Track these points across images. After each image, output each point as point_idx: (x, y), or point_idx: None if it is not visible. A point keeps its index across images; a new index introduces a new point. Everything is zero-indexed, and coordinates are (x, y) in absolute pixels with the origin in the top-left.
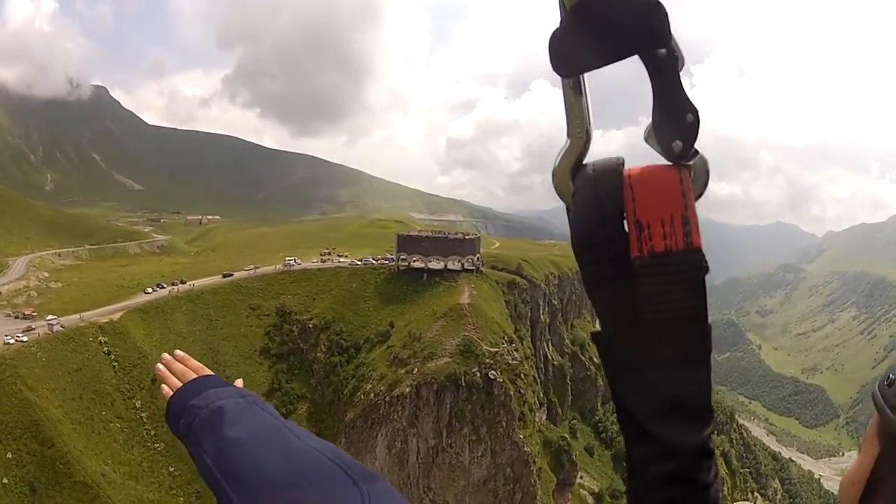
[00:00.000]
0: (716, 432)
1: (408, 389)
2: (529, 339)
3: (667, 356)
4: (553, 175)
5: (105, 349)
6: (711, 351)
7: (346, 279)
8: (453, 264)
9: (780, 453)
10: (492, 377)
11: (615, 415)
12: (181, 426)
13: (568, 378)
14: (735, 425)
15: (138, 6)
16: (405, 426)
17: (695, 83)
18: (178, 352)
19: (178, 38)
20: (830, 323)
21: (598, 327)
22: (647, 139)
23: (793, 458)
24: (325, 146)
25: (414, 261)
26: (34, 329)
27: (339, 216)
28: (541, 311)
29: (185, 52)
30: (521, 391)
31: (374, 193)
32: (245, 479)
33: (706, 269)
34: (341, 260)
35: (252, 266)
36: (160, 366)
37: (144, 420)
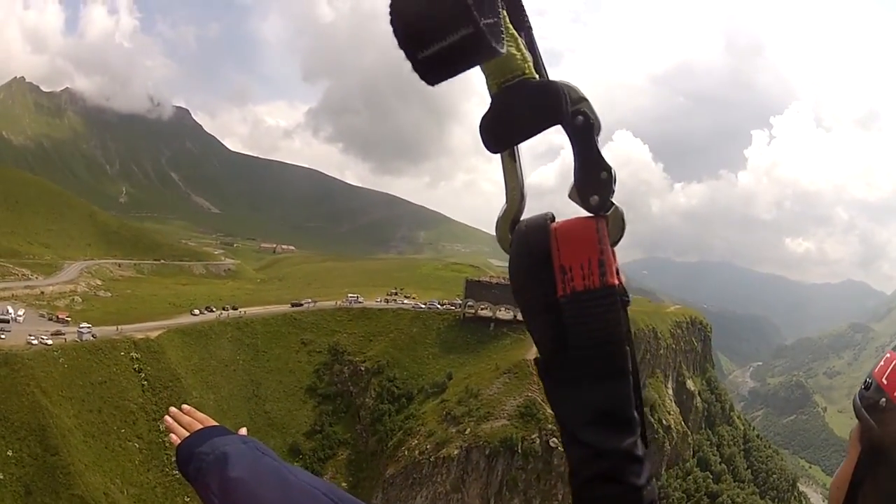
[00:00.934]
0: (776, 501)
1: (456, 451)
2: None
3: (588, 375)
4: (495, 229)
5: (136, 366)
6: (629, 369)
7: (407, 322)
8: (507, 313)
9: None
10: (553, 445)
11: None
12: (190, 471)
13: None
14: (796, 493)
15: (222, 32)
16: (448, 490)
17: (774, 134)
18: (185, 406)
19: (263, 68)
20: None
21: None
22: (570, 196)
23: None
24: (406, 186)
25: (482, 308)
26: (63, 334)
27: (414, 257)
28: None
29: (270, 82)
30: None
31: (453, 237)
32: None
33: (623, 302)
34: (405, 301)
35: (310, 300)
36: (168, 417)
37: (167, 445)
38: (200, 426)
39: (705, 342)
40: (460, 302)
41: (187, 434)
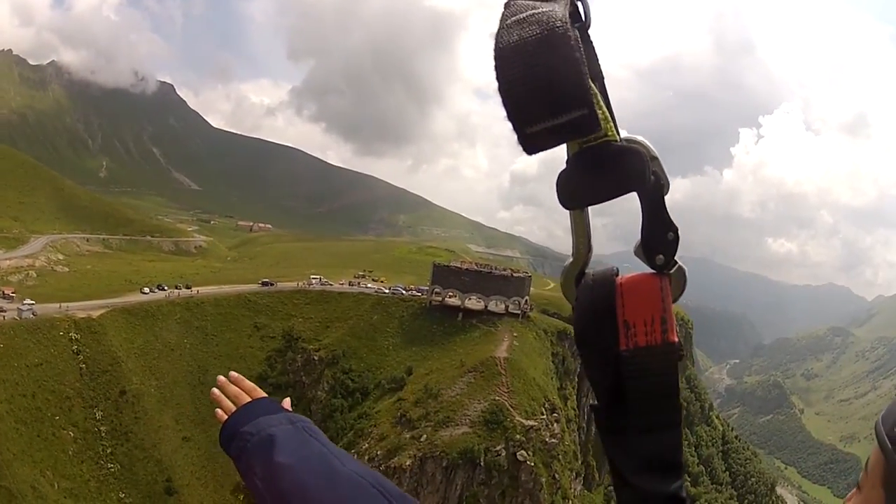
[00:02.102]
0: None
1: (409, 461)
2: (575, 398)
3: (643, 425)
4: (561, 282)
5: (75, 348)
6: (681, 421)
7: (368, 308)
8: (496, 305)
9: None
10: (521, 458)
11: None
12: (232, 449)
13: None
14: (774, 497)
15: (208, 9)
16: None
17: (762, 134)
18: (232, 373)
19: (248, 45)
20: (873, 390)
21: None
22: (636, 253)
23: None
24: (388, 168)
25: (449, 296)
26: (3, 311)
27: (392, 239)
28: None
29: (255, 59)
30: (556, 476)
31: (433, 221)
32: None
33: (681, 356)
34: (369, 286)
35: (267, 279)
36: (215, 390)
37: (103, 434)
38: (247, 398)
39: (686, 339)
40: (426, 288)
41: (233, 408)
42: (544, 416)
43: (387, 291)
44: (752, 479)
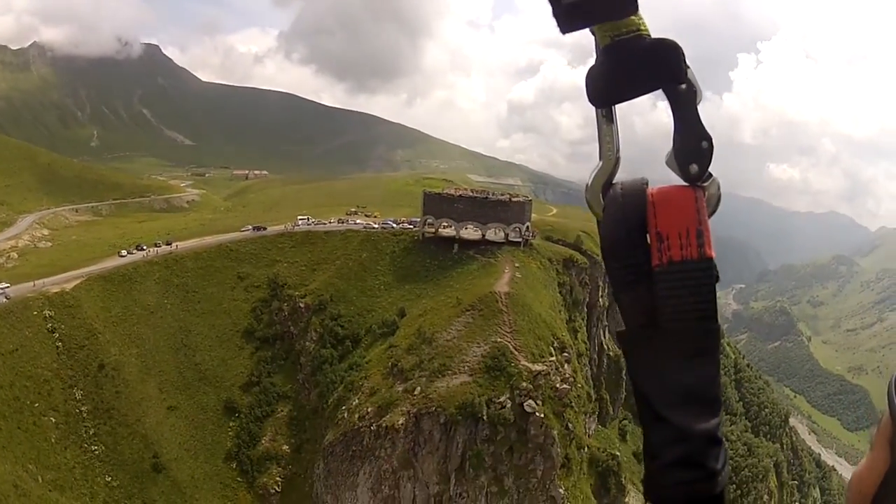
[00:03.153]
0: (768, 437)
1: (402, 420)
2: (585, 329)
3: (680, 351)
4: (586, 192)
5: (49, 326)
6: (719, 348)
7: (356, 246)
8: (494, 234)
9: (821, 457)
10: (529, 410)
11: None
12: None
13: (623, 372)
14: (787, 429)
15: None
16: (396, 467)
17: (761, 60)
18: None
19: None
20: (879, 322)
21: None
22: (667, 163)
23: (834, 466)
24: (383, 105)
25: (443, 226)
26: None
27: (390, 174)
28: (599, 293)
29: (240, 10)
30: (570, 425)
31: (431, 154)
32: None
33: (717, 277)
34: (357, 222)
35: (248, 226)
36: None
37: (84, 415)
38: None
39: None
40: (418, 220)
41: None
42: (553, 358)
43: (376, 227)
44: (766, 410)
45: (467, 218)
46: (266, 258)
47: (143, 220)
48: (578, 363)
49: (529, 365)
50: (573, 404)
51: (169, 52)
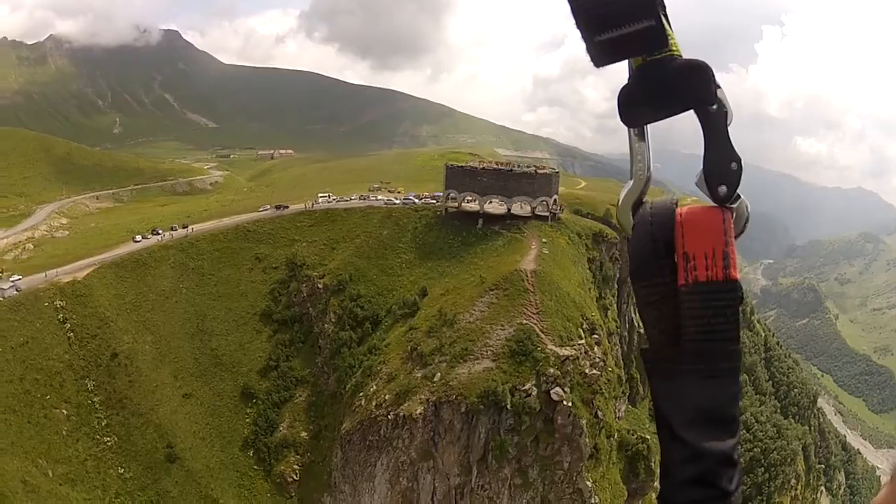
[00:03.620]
0: (796, 418)
1: (420, 409)
2: (615, 306)
3: (700, 372)
4: (617, 209)
5: (61, 316)
6: (740, 370)
7: (376, 223)
8: (520, 208)
9: (846, 440)
10: (556, 398)
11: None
12: None
13: None
14: (815, 409)
15: None
16: (414, 458)
17: (786, 32)
18: None
19: None
20: None
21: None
22: (697, 184)
23: (859, 450)
24: (407, 81)
25: (467, 200)
26: None
27: (416, 150)
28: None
29: None
30: (600, 414)
31: (457, 129)
32: None
33: (741, 299)
34: (378, 198)
35: (267, 206)
36: None
37: (97, 406)
38: None
39: None
40: (441, 194)
41: None
42: (583, 341)
43: (397, 202)
44: (795, 391)
45: (492, 192)
46: (284, 238)
47: (165, 204)
48: (609, 343)
49: (557, 349)
50: (603, 390)
51: (189, 36)
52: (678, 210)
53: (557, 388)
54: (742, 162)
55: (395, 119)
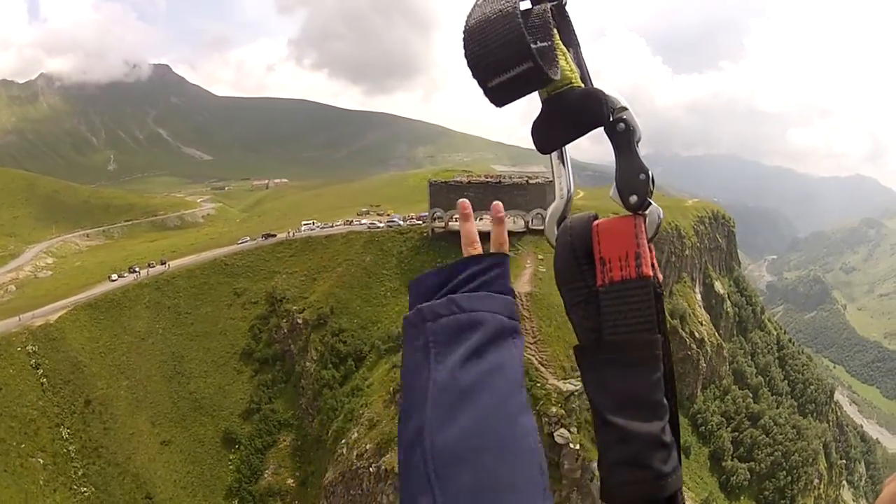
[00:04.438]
0: (815, 416)
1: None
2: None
3: (621, 361)
4: (545, 227)
5: (33, 361)
6: (660, 356)
7: (358, 250)
8: (513, 223)
9: (864, 429)
10: (561, 441)
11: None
12: (414, 329)
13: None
14: (832, 405)
15: None
16: None
17: (774, 24)
18: (497, 204)
19: (237, 12)
20: None
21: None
22: (612, 196)
23: (878, 439)
24: (400, 104)
25: (454, 220)
26: None
27: (412, 172)
28: None
29: (247, 24)
30: None
31: (453, 148)
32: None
33: (657, 293)
34: (362, 222)
35: (246, 237)
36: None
37: (73, 455)
38: (478, 248)
39: (729, 238)
40: (426, 214)
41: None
42: None
43: (381, 226)
44: (812, 388)
45: (480, 207)
46: (264, 270)
47: (155, 240)
48: None
49: (559, 383)
50: None
51: (180, 70)
52: (595, 222)
53: (562, 430)
54: (650, 173)
55: (390, 142)
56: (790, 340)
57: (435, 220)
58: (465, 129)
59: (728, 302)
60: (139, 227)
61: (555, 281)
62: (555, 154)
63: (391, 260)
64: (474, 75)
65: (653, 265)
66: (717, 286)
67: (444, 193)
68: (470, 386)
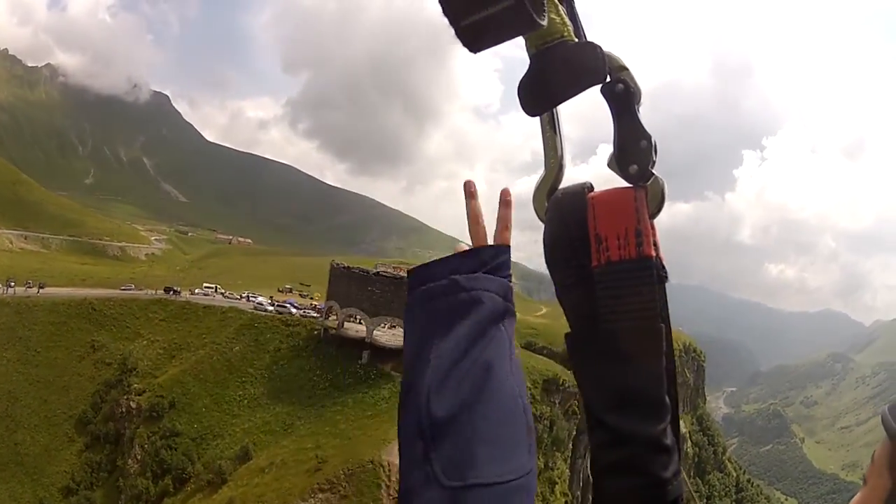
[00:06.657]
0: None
1: None
2: (567, 471)
3: (619, 352)
4: (532, 199)
5: None
6: (662, 349)
7: (231, 334)
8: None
9: None
10: None
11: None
12: (424, 291)
13: None
14: None
15: (205, 20)
16: None
17: (765, 156)
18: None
19: (247, 60)
20: (875, 416)
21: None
22: (609, 165)
23: None
24: (383, 189)
25: (350, 318)
26: None
27: (375, 259)
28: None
29: (253, 75)
30: None
31: (425, 244)
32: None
33: (660, 277)
34: (259, 300)
35: (130, 285)
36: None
37: None
38: (486, 238)
39: (698, 373)
40: (323, 306)
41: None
42: None
43: (269, 309)
44: None
45: (387, 312)
46: (129, 329)
47: (86, 263)
48: None
49: None
50: None
51: (178, 104)
52: (590, 193)
53: None
54: (653, 140)
55: (364, 226)
56: (749, 481)
57: (330, 317)
58: (440, 227)
59: (689, 442)
60: (78, 246)
61: (545, 260)
62: (544, 117)
63: (263, 358)
64: (445, 11)
65: (655, 244)
66: (680, 425)
67: (343, 283)
68: (468, 354)
